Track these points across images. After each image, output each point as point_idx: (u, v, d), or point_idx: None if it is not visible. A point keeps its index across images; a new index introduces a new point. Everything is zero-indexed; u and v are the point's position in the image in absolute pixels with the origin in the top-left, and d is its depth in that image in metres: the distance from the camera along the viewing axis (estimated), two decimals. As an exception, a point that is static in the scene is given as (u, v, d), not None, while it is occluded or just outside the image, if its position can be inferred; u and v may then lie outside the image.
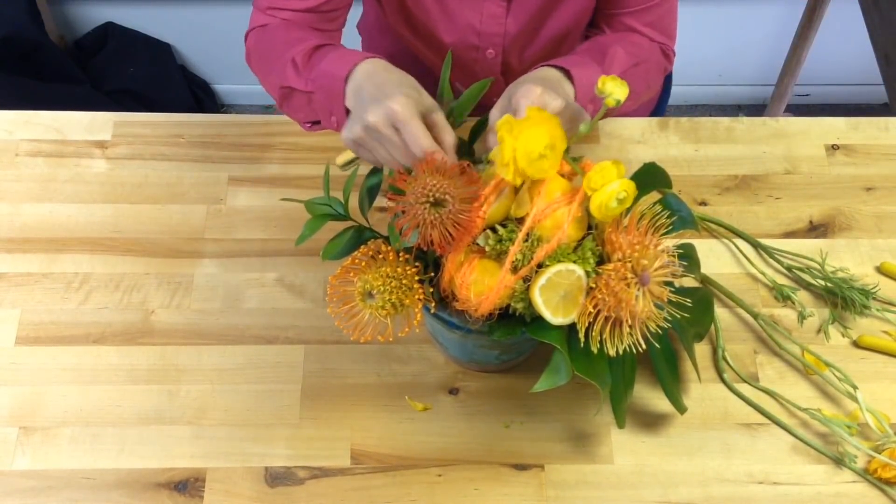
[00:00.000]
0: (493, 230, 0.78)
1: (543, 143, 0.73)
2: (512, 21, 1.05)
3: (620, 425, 0.87)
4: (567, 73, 0.88)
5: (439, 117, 0.80)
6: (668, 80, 1.28)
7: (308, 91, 0.87)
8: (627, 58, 0.95)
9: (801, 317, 1.02)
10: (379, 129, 0.77)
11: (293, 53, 0.89)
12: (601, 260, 0.77)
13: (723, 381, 0.98)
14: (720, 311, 1.03)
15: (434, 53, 1.12)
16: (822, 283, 1.03)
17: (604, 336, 0.75)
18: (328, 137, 1.14)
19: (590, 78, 0.89)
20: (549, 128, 0.73)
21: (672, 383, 0.92)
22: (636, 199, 0.76)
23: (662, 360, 0.92)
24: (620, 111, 1.09)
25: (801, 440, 0.94)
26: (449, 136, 0.80)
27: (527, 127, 0.73)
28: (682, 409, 0.91)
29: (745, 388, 0.97)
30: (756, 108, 2.35)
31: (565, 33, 1.08)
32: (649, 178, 0.87)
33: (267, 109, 2.33)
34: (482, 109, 0.88)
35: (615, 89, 0.75)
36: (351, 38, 1.11)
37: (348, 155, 1.05)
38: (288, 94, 0.90)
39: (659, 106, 1.32)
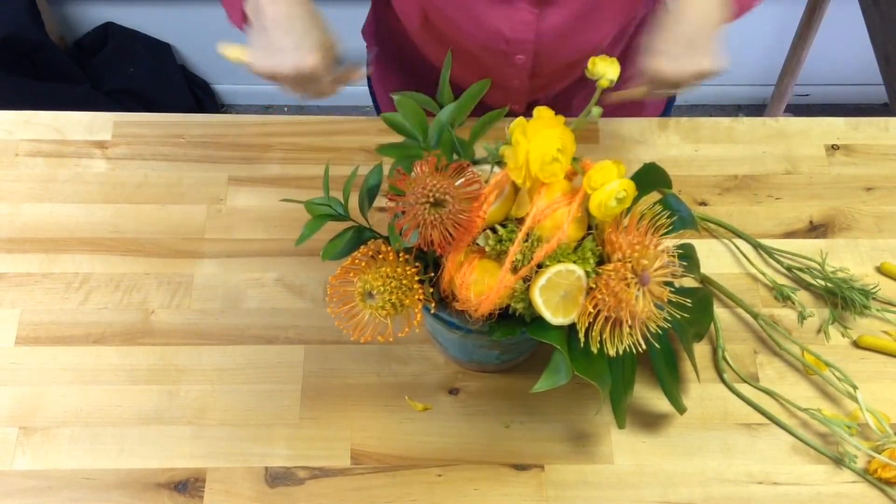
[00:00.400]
0: (493, 230, 0.78)
1: (556, 147, 0.73)
2: (545, 27, 0.99)
3: (621, 425, 0.87)
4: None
5: (351, 73, 0.84)
6: None
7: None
8: None
9: (801, 317, 1.02)
10: (293, 80, 0.83)
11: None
12: (601, 260, 0.77)
13: (723, 381, 0.98)
14: (720, 311, 1.03)
15: (455, 60, 1.09)
16: (822, 283, 1.03)
17: (604, 336, 0.75)
18: (328, 137, 1.14)
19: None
20: (560, 131, 0.73)
21: (672, 383, 0.92)
22: (636, 199, 0.76)
23: (662, 361, 0.92)
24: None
25: (801, 440, 0.94)
26: (358, 75, 0.83)
27: (540, 129, 0.73)
28: (681, 409, 0.91)
29: (745, 389, 0.97)
30: (756, 108, 2.36)
31: (602, 37, 1.03)
32: (649, 178, 0.87)
33: (267, 109, 2.33)
34: (482, 109, 0.88)
35: (607, 69, 0.75)
36: (354, 43, 1.10)
37: (237, 53, 0.95)
38: None
39: (667, 106, 1.31)
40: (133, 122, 1.15)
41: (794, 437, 0.95)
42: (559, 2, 0.96)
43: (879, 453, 0.91)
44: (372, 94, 1.33)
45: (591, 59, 0.76)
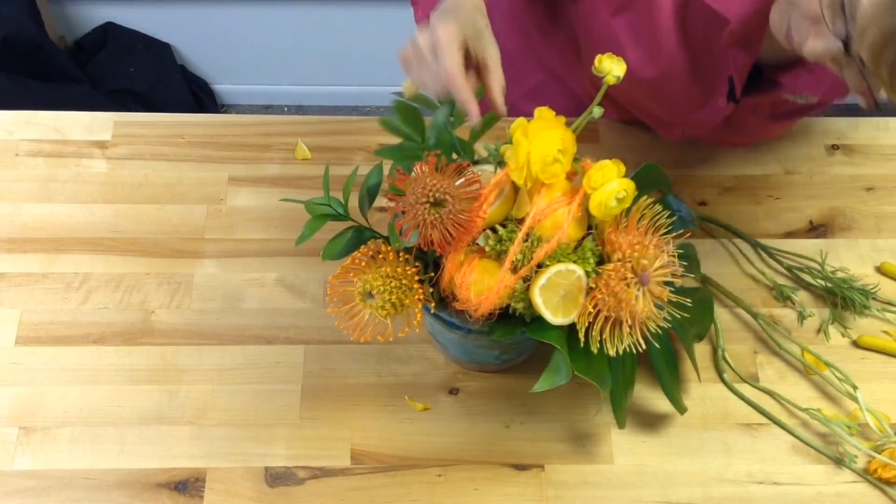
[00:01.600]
0: (493, 230, 0.78)
1: (557, 147, 0.73)
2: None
3: (621, 425, 0.87)
4: None
5: (491, 59, 0.78)
6: None
7: None
8: None
9: (801, 317, 1.02)
10: (420, 50, 0.77)
11: None
12: (601, 260, 0.77)
13: (723, 381, 0.98)
14: (720, 311, 1.03)
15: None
16: (822, 283, 1.03)
17: (604, 336, 0.75)
18: (327, 138, 1.14)
19: None
20: (561, 132, 0.73)
21: (672, 383, 0.92)
22: (636, 199, 0.76)
23: (662, 360, 0.92)
24: None
25: (801, 440, 0.94)
26: (496, 79, 0.78)
27: (541, 130, 0.73)
28: (682, 409, 0.91)
29: (745, 388, 0.97)
30: (756, 108, 2.35)
31: None
32: (649, 178, 0.87)
33: (267, 109, 2.33)
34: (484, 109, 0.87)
35: (613, 66, 0.75)
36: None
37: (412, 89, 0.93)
38: None
39: None
40: (133, 122, 1.15)
41: (794, 437, 0.95)
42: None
43: (879, 453, 0.91)
44: None
45: (597, 57, 0.75)
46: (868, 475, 0.92)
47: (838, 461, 0.93)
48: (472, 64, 0.79)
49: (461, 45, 0.76)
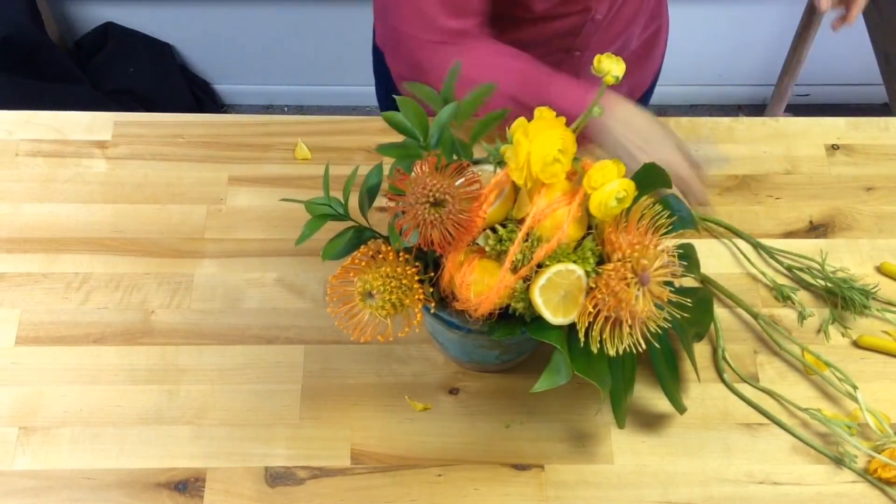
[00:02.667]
0: (493, 230, 0.78)
1: (557, 147, 0.73)
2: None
3: (620, 425, 0.87)
4: None
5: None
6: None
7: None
8: None
9: (801, 317, 1.02)
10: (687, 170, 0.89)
11: (507, 89, 0.91)
12: (601, 260, 0.77)
13: (723, 381, 0.98)
14: (720, 311, 1.03)
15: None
16: (822, 283, 1.03)
17: (604, 336, 0.75)
18: (328, 137, 1.14)
19: None
20: (561, 132, 0.73)
21: (672, 383, 0.92)
22: (636, 200, 0.76)
23: (662, 360, 0.92)
24: None
25: (801, 440, 0.94)
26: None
27: (541, 129, 0.73)
28: (681, 409, 0.91)
29: (745, 389, 0.97)
30: (756, 108, 2.36)
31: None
32: (649, 178, 0.87)
33: (267, 109, 2.33)
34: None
35: (612, 66, 0.75)
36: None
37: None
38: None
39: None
40: (133, 122, 1.15)
41: (794, 437, 0.95)
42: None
43: (879, 453, 0.91)
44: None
45: (596, 57, 0.76)
46: (868, 475, 0.92)
47: (838, 461, 0.93)
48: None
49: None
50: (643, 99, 1.31)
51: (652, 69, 1.28)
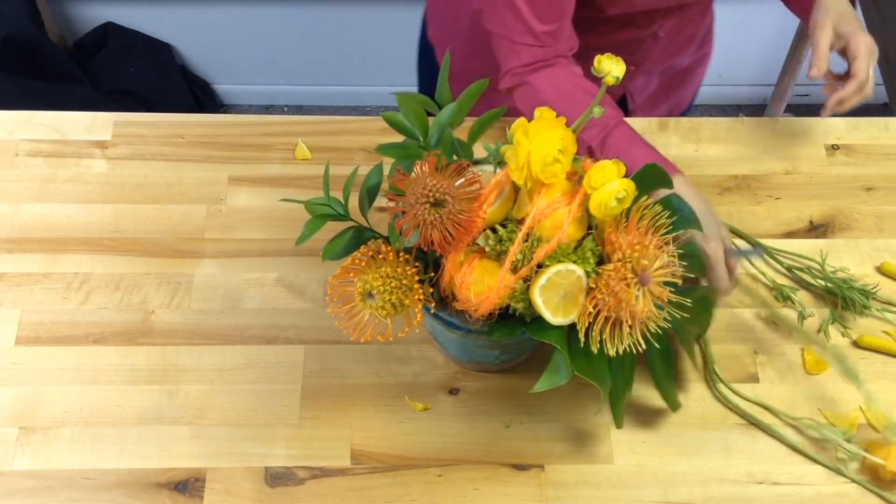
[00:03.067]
0: (493, 230, 0.78)
1: (557, 147, 0.73)
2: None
3: (618, 425, 0.87)
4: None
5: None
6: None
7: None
8: None
9: (801, 317, 1.02)
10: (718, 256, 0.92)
11: (584, 137, 0.99)
12: (601, 260, 0.77)
13: (715, 396, 0.98)
14: (720, 311, 1.02)
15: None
16: (822, 283, 1.03)
17: (604, 336, 0.75)
18: (327, 137, 1.14)
19: None
20: (561, 132, 0.73)
21: (665, 380, 0.92)
22: (636, 200, 0.76)
23: (658, 358, 0.92)
24: None
25: (798, 450, 0.94)
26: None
27: (541, 130, 0.73)
28: (675, 406, 0.91)
29: (741, 395, 0.97)
30: (756, 108, 2.35)
31: None
32: (649, 178, 0.87)
33: (267, 109, 2.33)
34: (479, 111, 0.87)
35: (612, 67, 0.75)
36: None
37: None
38: None
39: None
40: (133, 122, 1.15)
41: (794, 438, 0.94)
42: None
43: (877, 454, 0.91)
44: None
45: (596, 58, 0.76)
46: (864, 480, 0.92)
47: (837, 471, 0.92)
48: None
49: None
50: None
51: (692, 90, 1.34)
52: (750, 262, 1.05)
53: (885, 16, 1.68)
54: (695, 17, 1.16)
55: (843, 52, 1.04)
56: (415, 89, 1.35)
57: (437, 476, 0.92)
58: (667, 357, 0.93)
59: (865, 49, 1.02)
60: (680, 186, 0.92)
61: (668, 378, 0.93)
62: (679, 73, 1.26)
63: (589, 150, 1.00)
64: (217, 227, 1.07)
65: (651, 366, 0.93)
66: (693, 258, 0.93)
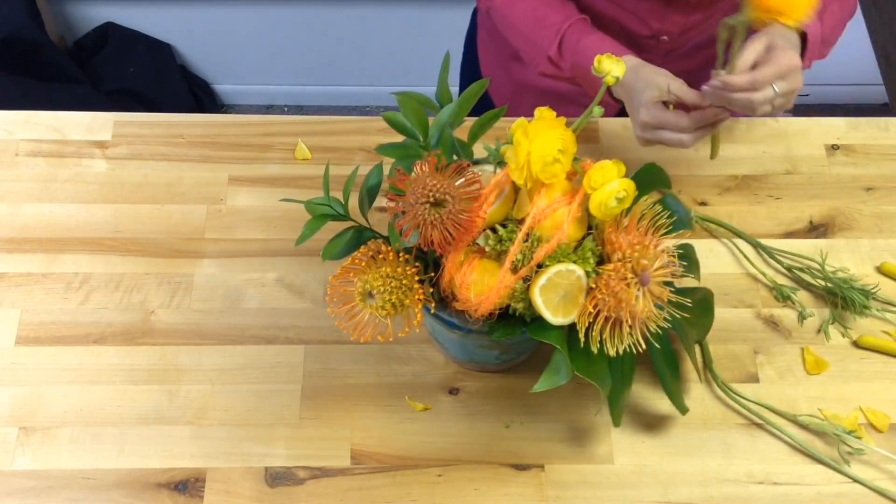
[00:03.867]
0: (494, 230, 0.78)
1: (557, 147, 0.73)
2: (689, 21, 1.09)
3: (616, 423, 0.87)
4: (802, 35, 0.96)
5: (681, 91, 0.91)
6: None
7: (571, 76, 1.04)
8: (840, 11, 1.00)
9: (801, 317, 1.02)
10: (650, 126, 0.94)
11: (545, 48, 1.03)
12: (601, 260, 0.77)
13: (717, 394, 0.98)
14: (720, 311, 1.02)
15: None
16: (823, 283, 1.03)
17: (604, 336, 0.75)
18: (327, 138, 1.14)
19: (815, 35, 0.96)
20: (561, 132, 0.73)
21: (673, 383, 0.92)
22: (636, 200, 0.76)
23: (663, 361, 0.92)
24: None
25: (798, 450, 0.94)
26: (693, 97, 0.91)
27: (541, 130, 0.73)
28: (683, 409, 0.91)
29: (742, 393, 0.97)
30: (756, 108, 2.35)
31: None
32: (649, 178, 0.87)
33: (267, 109, 2.33)
34: (479, 111, 0.88)
35: (612, 67, 0.75)
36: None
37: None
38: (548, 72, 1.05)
39: None
40: (133, 122, 1.15)
41: (794, 438, 0.94)
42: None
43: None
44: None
45: (596, 58, 0.76)
46: (865, 480, 0.92)
47: (837, 470, 0.92)
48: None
49: (662, 105, 0.93)
50: None
51: None
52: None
53: (885, 16, 1.68)
54: None
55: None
56: (415, 89, 1.36)
57: (437, 476, 0.92)
58: (671, 360, 0.93)
59: (783, 63, 0.88)
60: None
61: (675, 381, 0.93)
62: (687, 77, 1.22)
63: (548, 59, 1.03)
64: (217, 227, 1.07)
65: (656, 369, 0.93)
66: (691, 259, 0.93)
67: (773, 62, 0.88)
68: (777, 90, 0.88)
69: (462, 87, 1.44)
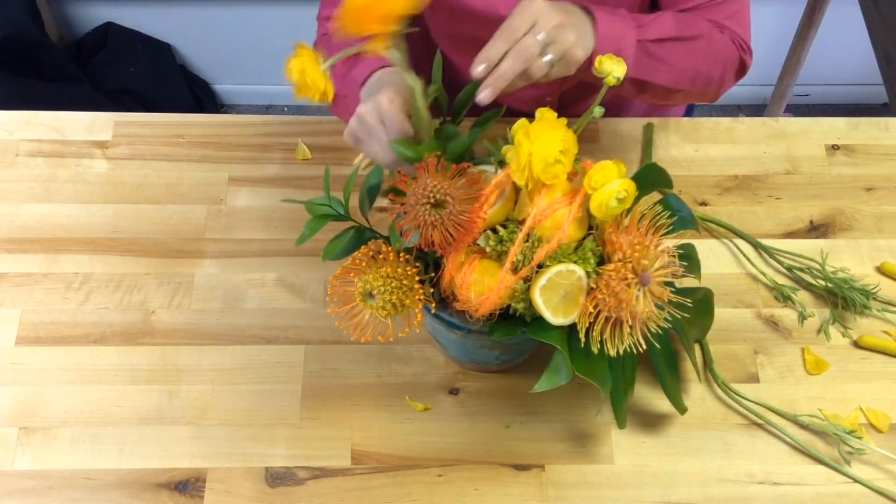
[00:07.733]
0: (494, 231, 0.78)
1: (558, 148, 0.73)
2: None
3: (621, 425, 0.87)
4: (591, 17, 0.84)
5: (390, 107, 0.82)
6: None
7: (343, 95, 0.93)
8: (674, 27, 0.89)
9: (802, 317, 1.02)
10: (366, 120, 0.83)
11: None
12: (601, 260, 0.77)
13: (717, 393, 0.98)
14: (720, 311, 1.02)
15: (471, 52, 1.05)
16: (823, 283, 1.03)
17: (604, 336, 0.75)
18: (327, 138, 1.14)
19: (616, 31, 0.84)
20: (562, 133, 0.73)
21: (672, 384, 0.92)
22: (636, 200, 0.76)
23: (662, 361, 0.92)
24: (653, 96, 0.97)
25: (798, 450, 0.94)
26: (396, 126, 0.82)
27: (543, 131, 0.73)
28: (682, 409, 0.91)
29: (742, 394, 0.97)
30: (756, 108, 2.35)
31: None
32: (649, 178, 0.87)
33: (267, 109, 2.33)
34: (478, 111, 0.88)
35: (613, 67, 0.75)
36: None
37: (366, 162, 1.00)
38: (336, 100, 0.92)
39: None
40: (133, 122, 1.15)
41: (794, 438, 0.95)
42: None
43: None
44: None
45: (598, 59, 0.76)
46: (865, 480, 0.92)
47: (838, 470, 0.92)
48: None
49: (405, 109, 0.81)
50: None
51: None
52: None
53: (885, 16, 1.68)
54: None
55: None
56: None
57: (438, 476, 0.92)
58: (671, 360, 0.93)
59: (525, 9, 0.78)
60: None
61: (675, 381, 0.93)
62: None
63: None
64: (217, 227, 1.07)
65: (655, 369, 0.93)
66: (692, 259, 0.93)
67: (514, 13, 0.78)
68: (540, 39, 0.77)
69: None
